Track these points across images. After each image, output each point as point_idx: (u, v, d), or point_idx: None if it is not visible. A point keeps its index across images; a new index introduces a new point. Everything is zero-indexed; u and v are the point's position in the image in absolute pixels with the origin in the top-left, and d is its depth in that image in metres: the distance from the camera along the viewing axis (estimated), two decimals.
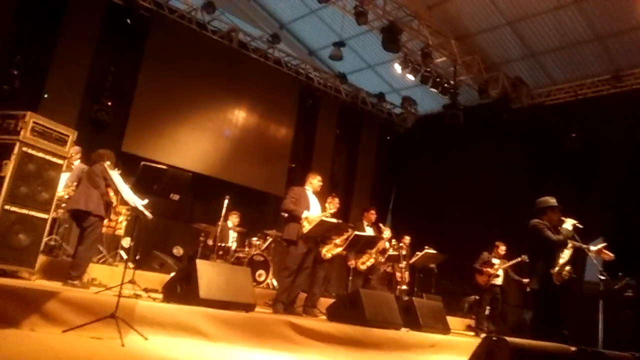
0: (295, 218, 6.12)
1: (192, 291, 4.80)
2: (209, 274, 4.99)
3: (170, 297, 5.01)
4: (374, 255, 8.02)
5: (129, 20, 9.91)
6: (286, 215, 6.27)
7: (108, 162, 4.57)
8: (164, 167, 5.26)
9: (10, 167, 5.26)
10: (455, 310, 10.22)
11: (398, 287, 9.07)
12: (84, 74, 9.52)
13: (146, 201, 4.62)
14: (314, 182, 6.47)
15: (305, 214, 6.11)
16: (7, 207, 5.20)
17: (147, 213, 4.30)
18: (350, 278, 8.05)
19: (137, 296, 5.04)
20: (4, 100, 8.44)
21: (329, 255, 6.77)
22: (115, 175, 4.47)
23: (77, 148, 6.75)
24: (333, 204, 6.69)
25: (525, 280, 8.55)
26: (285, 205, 6.24)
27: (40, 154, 5.49)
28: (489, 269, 8.57)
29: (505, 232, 9.66)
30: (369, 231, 7.94)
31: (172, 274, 5.98)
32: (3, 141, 5.43)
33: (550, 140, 11.09)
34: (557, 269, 5.14)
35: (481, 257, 8.73)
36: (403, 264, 9.22)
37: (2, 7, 8.68)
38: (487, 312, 8.71)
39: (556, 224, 5.41)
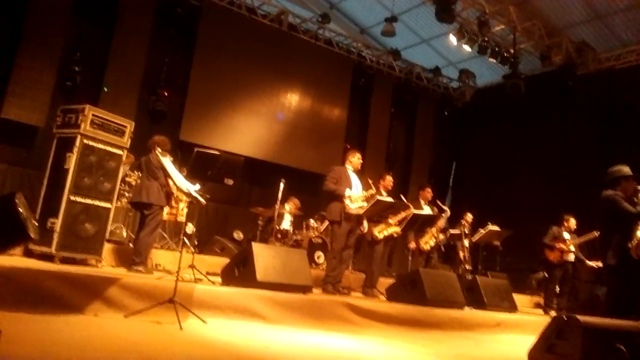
0: (338, 197, 6.06)
1: (249, 274, 4.84)
2: (265, 257, 5.01)
3: (229, 281, 5.07)
4: (435, 234, 7.82)
5: (179, 10, 10.03)
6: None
7: (159, 149, 4.62)
8: (217, 152, 5.28)
9: (73, 159, 5.47)
10: (522, 287, 9.86)
11: (461, 265, 8.81)
12: (140, 66, 9.73)
13: (198, 186, 4.65)
14: (354, 160, 6.38)
15: (347, 193, 6.06)
16: (72, 197, 5.43)
17: (200, 198, 4.33)
18: (410, 258, 7.88)
19: (197, 280, 5.14)
20: (68, 96, 8.80)
21: (380, 236, 6.61)
22: (167, 162, 4.52)
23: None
24: (383, 185, 6.59)
25: (590, 263, 8.15)
26: (326, 185, 6.17)
27: (101, 146, 5.68)
28: (562, 245, 8.09)
29: (573, 205, 9.15)
30: (427, 210, 7.74)
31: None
32: (66, 135, 5.66)
33: (621, 106, 10.38)
34: (635, 242, 4.78)
35: (551, 232, 8.21)
36: (466, 242, 8.95)
37: (59, 9, 8.96)
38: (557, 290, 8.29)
39: (631, 195, 5.04)
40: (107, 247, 6.12)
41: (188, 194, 4.26)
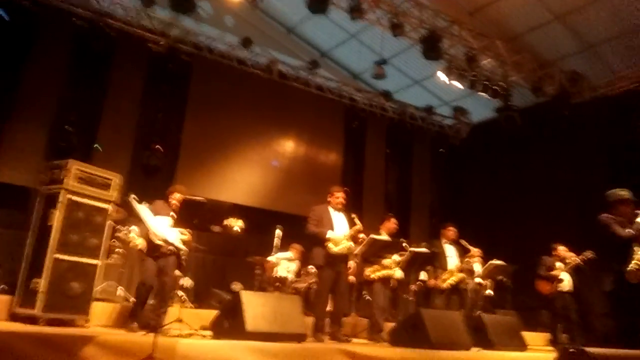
0: (320, 241, 5.84)
1: (239, 325, 4.61)
2: (255, 306, 4.78)
3: (219, 333, 4.84)
4: (455, 273, 7.42)
5: (171, 66, 10.18)
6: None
7: (133, 195, 4.50)
8: (202, 199, 5.16)
9: (57, 215, 5.35)
10: (535, 325, 9.45)
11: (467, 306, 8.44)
12: (133, 122, 9.80)
13: (177, 231, 4.48)
14: (332, 199, 6.14)
15: (329, 234, 5.83)
16: (57, 255, 5.29)
17: (179, 245, 4.18)
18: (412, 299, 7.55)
19: (188, 335, 4.92)
20: (63, 156, 8.74)
21: (373, 276, 6.39)
22: (141, 208, 4.39)
23: None
24: (387, 227, 6.45)
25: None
26: (307, 229, 5.98)
27: (87, 200, 5.58)
28: (550, 274, 7.76)
29: (583, 235, 8.88)
30: (450, 250, 7.51)
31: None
32: (50, 191, 5.57)
33: (620, 131, 10.26)
34: (631, 266, 4.56)
35: (543, 263, 7.92)
36: (470, 281, 8.60)
37: (54, 71, 9.11)
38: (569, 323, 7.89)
39: (630, 218, 4.85)
40: (100, 306, 5.93)
41: (164, 241, 4.11)
